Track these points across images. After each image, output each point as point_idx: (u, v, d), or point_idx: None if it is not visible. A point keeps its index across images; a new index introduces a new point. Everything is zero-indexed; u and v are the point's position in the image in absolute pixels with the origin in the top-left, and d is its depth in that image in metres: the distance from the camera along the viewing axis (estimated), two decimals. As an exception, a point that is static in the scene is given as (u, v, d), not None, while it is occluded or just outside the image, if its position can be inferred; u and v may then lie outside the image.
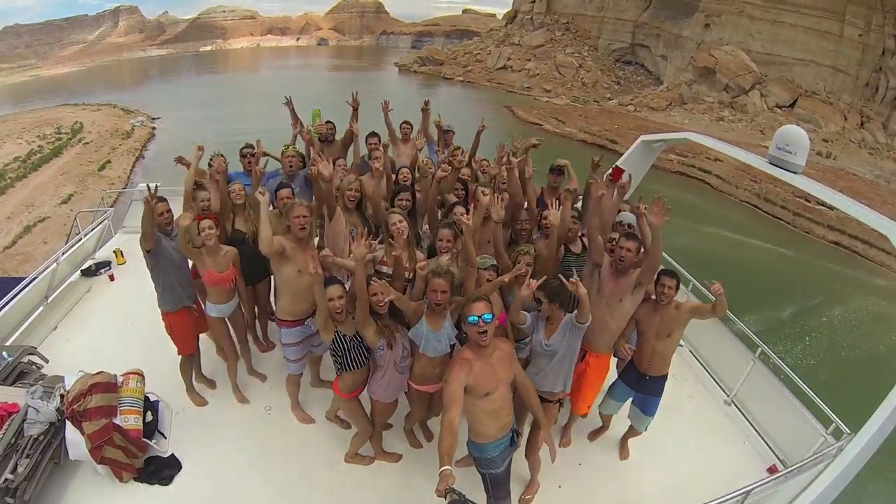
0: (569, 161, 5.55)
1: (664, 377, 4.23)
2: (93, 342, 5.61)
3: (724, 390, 5.49)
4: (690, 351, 6.03)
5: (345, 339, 3.56)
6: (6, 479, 3.46)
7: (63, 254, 6.44)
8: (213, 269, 4.23)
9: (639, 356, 4.22)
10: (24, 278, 5.92)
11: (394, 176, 5.33)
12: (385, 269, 4.13)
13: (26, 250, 20.95)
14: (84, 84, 65.35)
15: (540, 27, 59.22)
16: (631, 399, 4.43)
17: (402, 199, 4.53)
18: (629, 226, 4.63)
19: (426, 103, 6.23)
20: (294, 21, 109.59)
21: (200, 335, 4.81)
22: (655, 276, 3.94)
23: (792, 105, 42.95)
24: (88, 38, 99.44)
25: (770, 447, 4.78)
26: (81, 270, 6.85)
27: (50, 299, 6.05)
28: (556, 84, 50.57)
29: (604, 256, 4.05)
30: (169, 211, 4.38)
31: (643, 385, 4.25)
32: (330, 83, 58.66)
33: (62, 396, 3.89)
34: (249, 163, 5.17)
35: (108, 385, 3.98)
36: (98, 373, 4.07)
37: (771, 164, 4.75)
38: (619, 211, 4.98)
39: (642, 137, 7.03)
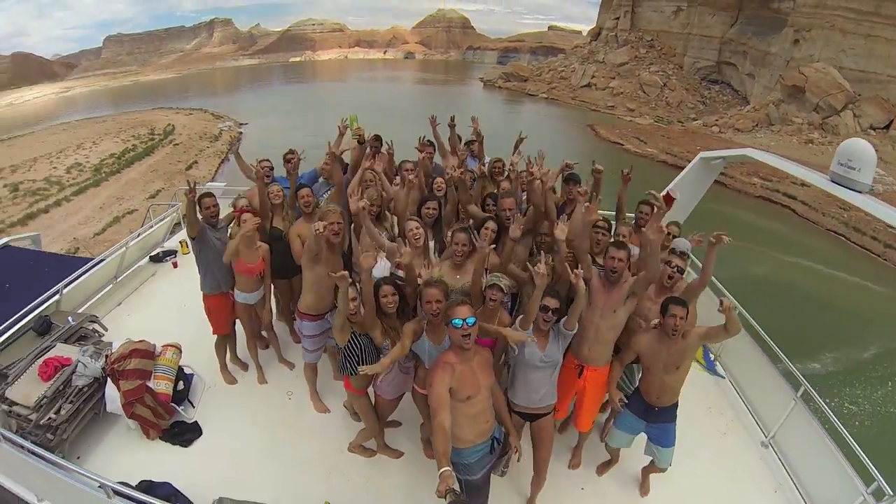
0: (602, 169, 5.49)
1: (675, 405, 4.01)
2: (148, 319, 6.45)
3: (762, 430, 5.10)
4: (731, 382, 5.72)
5: (361, 341, 3.79)
6: (49, 418, 4.18)
7: (132, 240, 7.38)
8: (245, 259, 4.80)
9: (645, 389, 4.00)
10: (99, 257, 6.93)
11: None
12: (401, 272, 4.33)
13: (114, 238, 23.02)
14: (179, 90, 70.58)
15: (624, 44, 58.54)
16: (644, 433, 4.17)
17: (428, 208, 4.73)
18: (682, 253, 4.37)
19: (452, 119, 6.46)
20: (381, 34, 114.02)
21: (238, 322, 5.37)
22: (662, 305, 3.69)
23: (887, 126, 39.53)
24: (185, 47, 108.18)
25: (803, 498, 4.39)
26: (150, 256, 7.87)
27: (119, 279, 7.03)
28: (639, 103, 49.75)
29: (591, 271, 3.94)
30: (216, 205, 4.98)
31: (653, 415, 4.01)
32: (416, 96, 60.32)
33: (107, 357, 4.58)
34: (291, 166, 5.74)
35: (146, 352, 4.67)
36: (140, 341, 4.79)
37: (832, 181, 4.36)
38: (670, 234, 4.92)
39: (701, 154, 6.97)
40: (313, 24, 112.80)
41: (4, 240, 8.19)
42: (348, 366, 3.84)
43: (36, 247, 8.97)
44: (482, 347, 3.42)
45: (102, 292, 6.73)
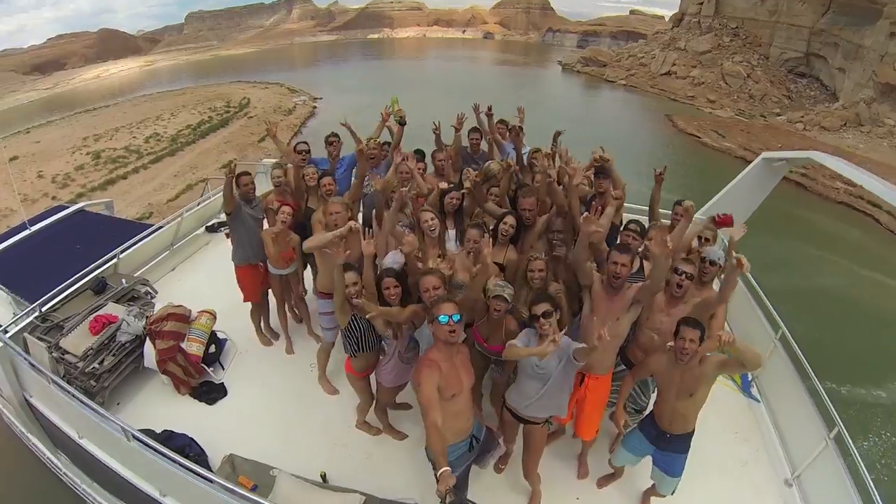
0: (611, 158, 5.07)
1: (690, 434, 3.77)
2: (197, 285, 7.04)
3: (788, 466, 4.64)
4: (765, 408, 5.31)
5: (361, 324, 3.96)
6: (94, 367, 4.81)
7: (188, 211, 8.03)
8: (278, 247, 5.23)
9: (658, 413, 3.80)
10: (158, 224, 7.66)
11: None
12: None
13: (185, 205, 24.50)
14: (257, 64, 72.83)
15: (707, 31, 55.66)
16: (651, 457, 3.97)
17: (452, 199, 4.73)
18: (712, 262, 4.07)
19: (489, 108, 6.43)
20: (460, 14, 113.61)
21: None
22: (675, 326, 3.50)
23: None
24: (264, 23, 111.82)
25: None
26: (206, 226, 8.56)
27: (175, 247, 7.72)
28: (721, 94, 47.40)
29: (592, 277, 3.88)
30: (252, 182, 5.40)
31: (664, 442, 3.80)
32: (494, 77, 59.91)
33: (147, 318, 5.16)
34: (332, 149, 6.05)
35: (181, 316, 5.23)
36: (177, 306, 5.34)
37: None
38: (701, 240, 4.74)
39: (764, 154, 6.75)
40: (391, 2, 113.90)
41: (80, 205, 9.14)
42: (349, 347, 4.10)
43: (108, 212, 9.92)
44: (463, 345, 3.45)
45: (158, 258, 7.42)
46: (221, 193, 7.92)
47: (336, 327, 4.91)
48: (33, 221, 7.92)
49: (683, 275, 3.79)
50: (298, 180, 5.57)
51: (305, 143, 5.94)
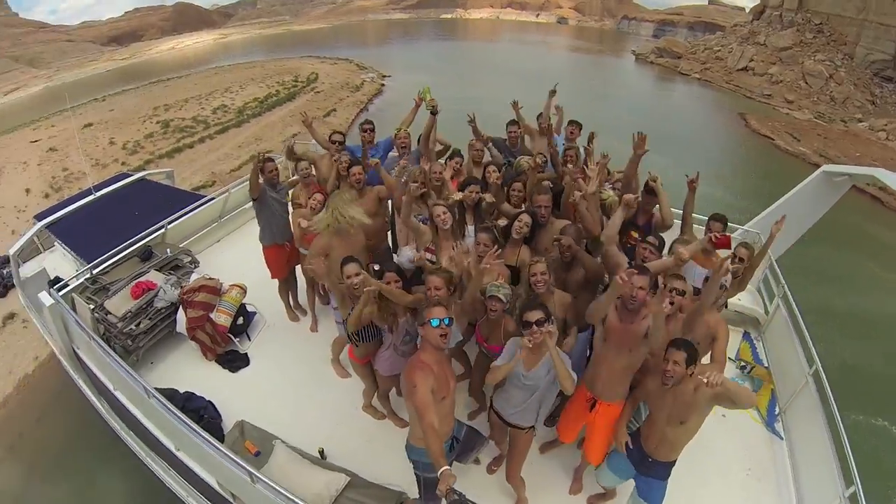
0: (659, 179, 4.94)
1: (671, 463, 3.66)
2: (237, 258, 7.45)
3: None
4: (787, 448, 4.96)
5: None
6: (130, 329, 5.35)
7: (234, 187, 8.53)
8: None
9: (645, 435, 3.69)
10: (208, 197, 8.20)
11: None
12: (428, 255, 4.56)
13: (247, 175, 25.57)
14: (328, 40, 73.89)
15: (789, 26, 52.30)
16: (634, 480, 3.90)
17: (471, 191, 4.75)
18: (720, 286, 3.82)
19: (516, 103, 6.55)
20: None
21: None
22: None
23: None
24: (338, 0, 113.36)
25: None
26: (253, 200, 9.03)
27: (222, 220, 8.23)
28: (799, 95, 44.75)
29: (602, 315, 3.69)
30: (276, 169, 5.72)
31: (645, 466, 3.71)
32: (565, 64, 58.85)
33: (182, 287, 5.64)
34: (366, 137, 6.27)
35: (212, 288, 5.70)
36: (210, 278, 5.81)
37: None
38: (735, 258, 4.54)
39: (824, 167, 6.55)
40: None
41: (143, 174, 9.89)
42: (350, 336, 4.26)
43: (169, 181, 10.67)
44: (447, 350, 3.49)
45: (205, 230, 7.98)
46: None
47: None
48: (98, 187, 8.67)
49: (673, 291, 3.68)
50: (329, 169, 5.82)
51: (341, 132, 6.23)
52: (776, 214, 6.61)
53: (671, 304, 3.65)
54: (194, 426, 3.92)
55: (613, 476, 3.99)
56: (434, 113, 5.90)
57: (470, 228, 4.84)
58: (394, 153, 6.35)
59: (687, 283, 3.80)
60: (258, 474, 3.48)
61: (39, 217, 8.34)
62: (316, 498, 3.85)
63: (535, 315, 3.31)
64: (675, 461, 3.65)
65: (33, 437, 10.31)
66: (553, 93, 6.74)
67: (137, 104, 35.84)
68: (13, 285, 11.18)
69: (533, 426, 3.81)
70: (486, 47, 72.02)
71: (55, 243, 8.19)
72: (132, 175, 9.63)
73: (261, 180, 5.53)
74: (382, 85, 42.35)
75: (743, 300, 6.24)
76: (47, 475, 9.11)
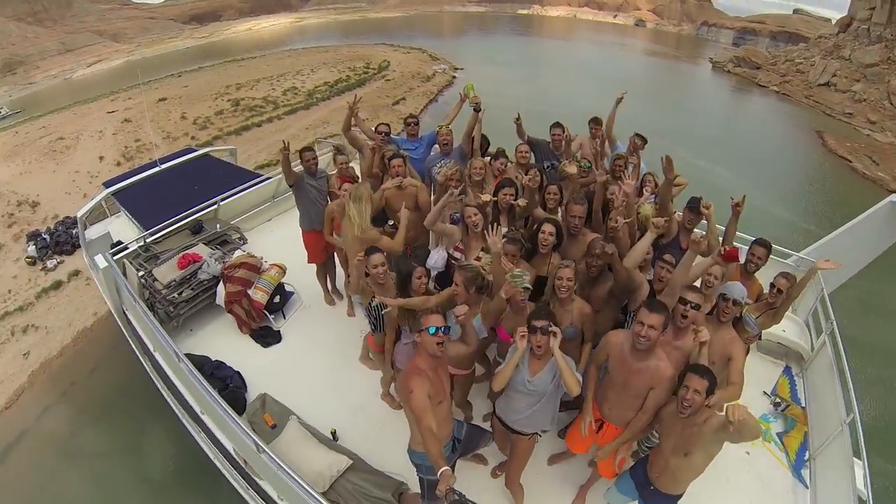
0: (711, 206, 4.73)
1: (674, 498, 3.53)
2: (284, 238, 7.68)
3: None
4: (810, 497, 4.67)
5: (379, 306, 4.16)
6: (173, 297, 5.77)
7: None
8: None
9: (652, 460, 3.60)
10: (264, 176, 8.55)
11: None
12: (457, 254, 4.74)
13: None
14: (403, 29, 74.37)
15: (877, 41, 48.68)
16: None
17: (505, 194, 4.74)
18: (734, 302, 3.78)
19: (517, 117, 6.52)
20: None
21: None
22: (684, 360, 3.46)
23: None
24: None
25: None
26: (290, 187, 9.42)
27: (276, 200, 8.58)
28: (883, 115, 41.89)
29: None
30: (314, 157, 5.91)
31: (647, 493, 3.64)
32: (639, 68, 57.69)
33: (224, 262, 5.99)
34: (409, 130, 6.47)
35: (252, 266, 6.03)
36: (251, 256, 6.15)
37: None
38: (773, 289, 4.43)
39: (892, 197, 6.27)
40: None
41: (207, 150, 10.44)
42: (370, 325, 4.45)
43: (231, 158, 11.20)
44: (444, 356, 3.51)
45: (258, 209, 8.36)
46: (325, 154, 8.18)
47: None
48: (163, 160, 9.24)
49: (688, 304, 3.54)
50: (370, 161, 5.87)
51: (386, 124, 6.40)
52: (836, 243, 6.57)
53: (684, 317, 3.59)
54: (213, 393, 4.21)
55: (620, 496, 3.92)
56: (477, 110, 5.95)
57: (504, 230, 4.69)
58: (437, 149, 6.40)
59: (703, 297, 3.65)
60: (263, 446, 3.73)
61: (107, 184, 8.97)
62: (317, 476, 4.05)
63: (541, 322, 3.34)
64: (679, 496, 3.52)
65: (85, 387, 11.20)
66: (619, 101, 6.55)
67: (211, 82, 37.33)
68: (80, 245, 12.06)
69: (536, 433, 3.81)
70: (561, 46, 70.98)
71: (120, 209, 8.77)
72: (196, 150, 10.17)
73: (298, 168, 5.77)
74: (454, 77, 42.09)
75: (789, 332, 5.98)
76: (94, 423, 9.89)
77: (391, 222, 5.41)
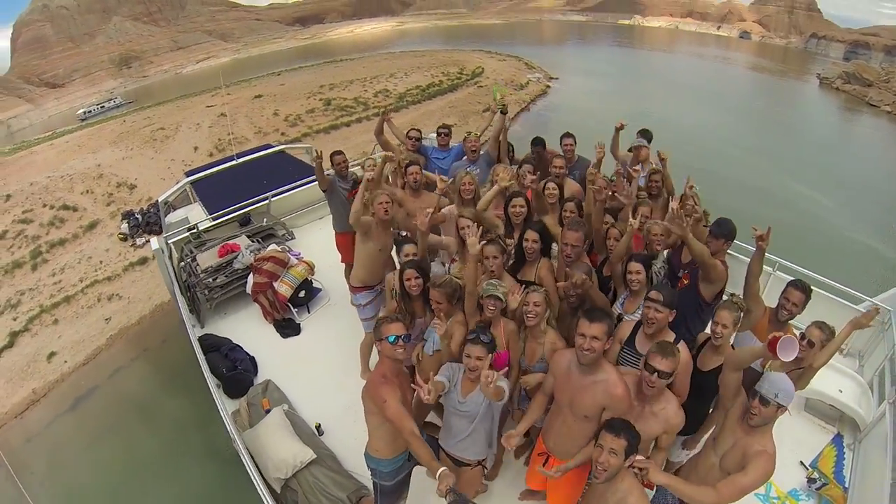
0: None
1: None
2: (326, 236, 7.63)
3: None
4: None
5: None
6: (208, 281, 6.35)
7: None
8: None
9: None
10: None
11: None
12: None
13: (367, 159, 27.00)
14: (501, 36, 74.66)
15: None
16: None
17: (514, 206, 4.54)
18: (762, 400, 2.79)
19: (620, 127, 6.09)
20: (716, 7, 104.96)
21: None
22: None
23: None
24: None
25: None
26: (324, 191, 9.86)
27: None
28: None
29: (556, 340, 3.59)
30: (345, 161, 6.22)
31: None
32: (742, 83, 55.03)
33: (255, 255, 6.52)
34: (440, 139, 6.55)
35: (280, 260, 6.49)
36: (280, 251, 6.64)
37: None
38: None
39: None
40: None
41: (282, 146, 11.10)
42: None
43: (308, 155, 11.81)
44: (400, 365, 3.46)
45: (310, 207, 8.84)
46: (381, 153, 8.70)
47: (374, 317, 5.02)
48: (241, 155, 9.99)
49: (655, 373, 2.95)
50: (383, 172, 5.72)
51: (418, 130, 6.57)
52: None
53: (650, 386, 3.01)
54: (206, 371, 4.63)
55: None
56: (504, 113, 5.88)
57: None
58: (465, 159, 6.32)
59: (674, 363, 2.98)
60: (234, 432, 4.07)
61: (189, 173, 9.80)
62: (280, 463, 4.31)
63: (475, 350, 3.17)
64: None
65: (156, 355, 12.38)
66: (619, 129, 6.15)
67: (306, 81, 39.17)
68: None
69: (480, 462, 3.61)
70: (661, 58, 68.99)
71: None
72: (274, 147, 10.86)
73: (329, 173, 6.07)
74: (548, 86, 41.74)
75: (847, 393, 4.97)
76: (160, 388, 10.94)
77: (404, 233, 5.39)
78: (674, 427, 3.11)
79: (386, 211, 4.69)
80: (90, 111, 49.26)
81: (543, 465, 3.48)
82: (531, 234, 4.07)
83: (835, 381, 4.64)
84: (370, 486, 3.87)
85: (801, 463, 4.64)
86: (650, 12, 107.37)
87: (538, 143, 6.34)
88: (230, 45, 66.23)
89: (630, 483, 2.68)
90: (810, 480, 4.48)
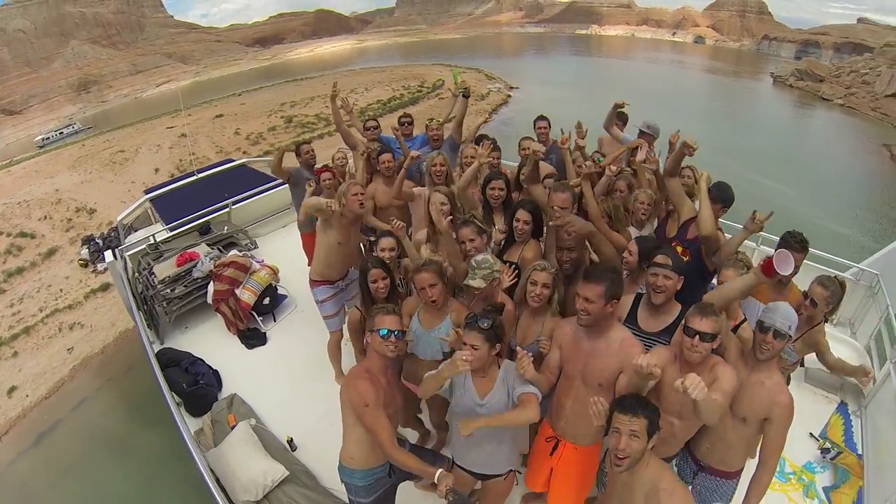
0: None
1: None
2: (292, 244, 7.22)
3: None
4: None
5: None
6: (166, 292, 5.86)
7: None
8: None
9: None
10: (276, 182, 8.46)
11: None
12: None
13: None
14: (461, 49, 75.92)
15: None
16: None
17: (493, 189, 4.22)
18: (778, 333, 2.57)
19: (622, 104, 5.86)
20: (670, 14, 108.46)
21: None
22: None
23: None
24: (473, 11, 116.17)
25: None
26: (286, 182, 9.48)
27: (292, 207, 8.61)
28: None
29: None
30: (312, 151, 6.07)
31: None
32: (698, 85, 56.84)
33: (215, 261, 6.08)
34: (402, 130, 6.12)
35: (242, 266, 6.03)
36: (241, 255, 6.19)
37: None
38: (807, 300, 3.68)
39: None
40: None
41: (244, 160, 10.73)
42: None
43: (269, 169, 11.43)
44: (395, 361, 3.12)
45: (273, 215, 8.43)
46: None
47: (339, 312, 4.72)
48: (201, 170, 9.57)
49: (696, 336, 2.53)
50: (358, 159, 5.35)
51: (374, 119, 6.29)
52: None
53: (695, 352, 2.58)
54: (164, 388, 4.24)
55: None
56: (466, 96, 5.76)
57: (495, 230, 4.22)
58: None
59: (719, 324, 2.57)
60: (194, 451, 3.70)
61: (147, 191, 9.34)
62: (249, 483, 3.82)
63: (470, 338, 2.68)
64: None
65: (120, 384, 11.77)
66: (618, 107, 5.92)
67: (267, 100, 38.86)
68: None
69: (512, 469, 3.11)
70: (619, 65, 70.72)
71: None
72: (234, 161, 10.48)
73: (287, 166, 5.83)
74: (509, 96, 42.29)
75: (845, 359, 4.67)
76: (125, 418, 10.33)
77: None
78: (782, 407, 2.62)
79: (361, 204, 4.19)
80: (48, 138, 47.75)
81: (552, 451, 3.12)
82: (522, 214, 3.71)
83: (836, 349, 4.39)
84: None
85: (811, 435, 4.45)
86: (607, 22, 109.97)
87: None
88: (190, 67, 65.42)
89: (657, 468, 2.35)
90: (823, 451, 4.32)
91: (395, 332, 2.82)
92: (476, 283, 3.10)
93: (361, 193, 4.20)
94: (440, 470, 2.61)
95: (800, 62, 61.97)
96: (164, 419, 8.73)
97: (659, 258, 2.99)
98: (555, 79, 52.00)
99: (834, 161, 29.62)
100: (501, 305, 3.10)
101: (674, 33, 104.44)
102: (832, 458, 4.27)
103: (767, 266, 2.66)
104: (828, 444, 4.35)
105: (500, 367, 2.85)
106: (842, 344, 5.03)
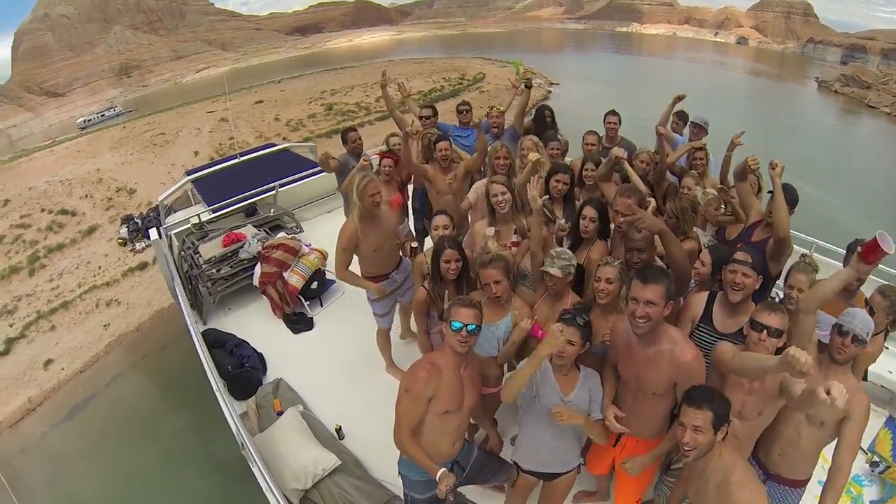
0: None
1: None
2: (334, 229, 7.53)
3: None
4: None
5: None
6: (211, 273, 5.79)
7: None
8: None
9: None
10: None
11: None
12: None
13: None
14: (502, 44, 75.42)
15: None
16: None
17: (558, 182, 4.18)
18: (856, 339, 2.59)
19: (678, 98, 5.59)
20: (713, 14, 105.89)
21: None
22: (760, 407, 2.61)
23: None
24: (514, 6, 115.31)
25: None
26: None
27: (339, 192, 8.57)
28: None
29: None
30: (359, 139, 5.93)
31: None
32: (740, 87, 55.50)
33: (263, 243, 5.96)
34: (462, 117, 6.19)
35: (291, 248, 5.90)
36: (292, 238, 6.04)
37: None
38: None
39: None
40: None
41: (286, 144, 10.68)
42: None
43: (312, 155, 11.40)
44: (474, 359, 3.01)
45: (319, 199, 8.35)
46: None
47: (391, 311, 4.67)
48: (244, 154, 9.53)
49: (764, 330, 2.54)
50: (406, 151, 5.12)
51: (431, 107, 6.20)
52: None
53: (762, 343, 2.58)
54: (209, 368, 4.11)
55: None
56: (528, 87, 5.65)
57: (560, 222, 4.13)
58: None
59: (787, 320, 2.60)
60: (245, 438, 3.55)
61: (189, 172, 9.32)
62: (299, 471, 3.71)
63: (569, 331, 2.66)
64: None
65: (154, 362, 11.82)
66: (678, 99, 5.67)
67: (307, 87, 39.05)
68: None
69: (580, 464, 3.14)
70: (660, 64, 69.43)
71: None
72: (277, 145, 10.42)
73: (336, 157, 5.67)
74: (549, 92, 41.70)
75: (894, 370, 4.66)
76: (157, 395, 10.39)
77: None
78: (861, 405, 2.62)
79: (376, 203, 4.00)
80: (90, 120, 49.07)
81: (615, 443, 3.07)
82: (589, 212, 3.61)
83: (884, 362, 4.19)
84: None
85: (860, 448, 4.06)
86: (648, 20, 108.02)
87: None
88: (230, 54, 66.46)
89: (730, 459, 2.32)
90: (872, 465, 4.26)
91: (467, 326, 2.67)
92: (553, 270, 3.12)
93: (378, 193, 4.02)
94: (442, 469, 2.61)
95: (846, 67, 59.83)
96: (195, 399, 8.79)
97: (739, 254, 2.99)
98: (595, 76, 51.19)
99: (881, 171, 28.44)
100: (590, 305, 3.10)
101: (716, 33, 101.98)
102: (881, 472, 4.22)
103: (869, 249, 2.66)
104: (876, 458, 4.29)
105: (578, 368, 2.91)
106: (892, 357, 4.75)
